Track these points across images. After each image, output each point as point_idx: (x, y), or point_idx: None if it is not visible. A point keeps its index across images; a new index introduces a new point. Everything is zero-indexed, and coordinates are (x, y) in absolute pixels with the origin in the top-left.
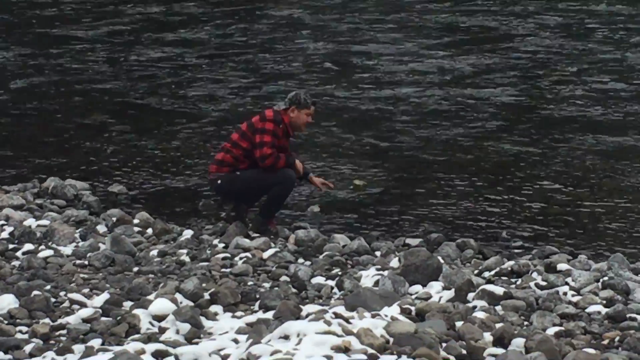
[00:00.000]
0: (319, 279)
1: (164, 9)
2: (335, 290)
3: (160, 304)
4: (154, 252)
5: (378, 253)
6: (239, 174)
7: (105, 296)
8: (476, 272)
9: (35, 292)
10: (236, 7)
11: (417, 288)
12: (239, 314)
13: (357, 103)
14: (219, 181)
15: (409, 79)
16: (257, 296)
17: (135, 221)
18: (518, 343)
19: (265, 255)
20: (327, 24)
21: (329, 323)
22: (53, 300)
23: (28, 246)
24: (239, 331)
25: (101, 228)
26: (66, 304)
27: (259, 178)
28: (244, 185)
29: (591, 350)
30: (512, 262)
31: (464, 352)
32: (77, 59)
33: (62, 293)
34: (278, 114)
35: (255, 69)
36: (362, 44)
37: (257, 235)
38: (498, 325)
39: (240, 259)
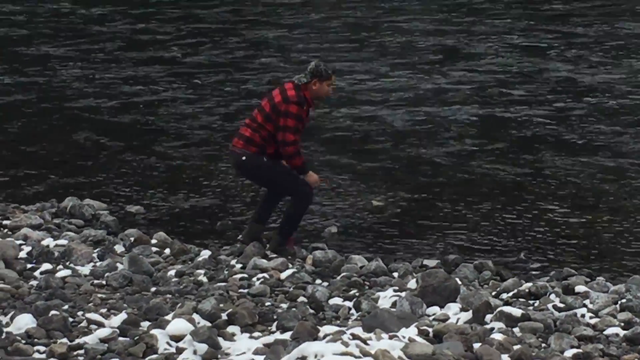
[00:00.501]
0: (336, 300)
1: (136, 28)
2: (353, 311)
3: (178, 324)
4: (172, 272)
5: (395, 274)
6: (266, 160)
7: (122, 316)
8: (494, 293)
9: (53, 312)
10: (207, 26)
11: (435, 309)
12: (256, 334)
13: (361, 123)
14: (244, 157)
15: (406, 98)
16: (275, 317)
17: (153, 241)
18: None
19: (283, 276)
20: (294, 44)
21: (346, 344)
22: (71, 320)
23: (46, 266)
24: (256, 352)
25: (119, 248)
26: (84, 323)
27: (281, 177)
28: (266, 175)
29: None
30: (529, 284)
31: None
32: (66, 79)
33: (79, 313)
34: (300, 91)
35: (238, 86)
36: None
37: (275, 255)
38: (516, 347)
39: (258, 279)
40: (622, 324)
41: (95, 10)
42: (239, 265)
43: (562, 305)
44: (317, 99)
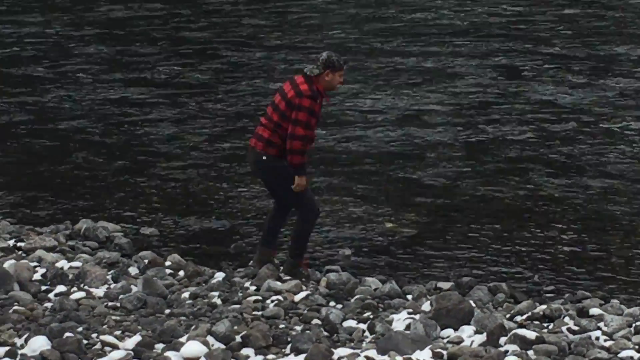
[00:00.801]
0: (350, 322)
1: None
2: (367, 333)
3: (192, 347)
4: (186, 295)
5: (410, 296)
6: (285, 165)
7: (137, 338)
8: (508, 316)
9: (68, 334)
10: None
11: (449, 332)
12: (270, 357)
13: (369, 144)
14: (264, 157)
15: (407, 118)
16: (289, 339)
17: (167, 263)
18: None
19: (297, 298)
20: (276, 65)
21: None
22: (85, 342)
23: (60, 288)
24: None
25: (133, 270)
26: (98, 345)
27: (286, 181)
28: (281, 180)
29: None
30: (544, 307)
31: None
32: (59, 100)
33: (94, 335)
34: (312, 84)
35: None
36: None
37: (289, 278)
38: None
39: (272, 301)
40: (637, 347)
41: (79, 32)
42: (253, 288)
43: (576, 327)
44: (329, 90)
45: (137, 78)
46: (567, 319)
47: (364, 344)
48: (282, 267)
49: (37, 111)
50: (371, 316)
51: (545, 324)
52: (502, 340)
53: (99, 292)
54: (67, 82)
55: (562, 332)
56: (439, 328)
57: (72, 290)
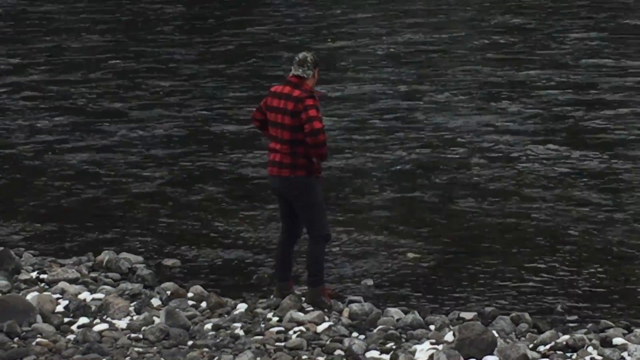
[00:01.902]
0: (373, 353)
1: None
2: None
3: None
4: (208, 326)
5: (432, 327)
6: (313, 182)
7: None
8: (531, 346)
9: None
10: None
11: None
12: None
13: (388, 171)
14: (295, 180)
15: (424, 143)
16: None
17: (190, 295)
18: None
19: (320, 328)
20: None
21: None
22: None
23: (83, 320)
24: None
25: (155, 301)
26: None
27: (313, 206)
28: (306, 197)
29: None
30: (567, 336)
31: None
32: (83, 131)
33: None
34: (298, 86)
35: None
36: None
37: (311, 308)
38: None
39: (295, 332)
40: None
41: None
42: (275, 319)
43: (600, 357)
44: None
45: (158, 107)
46: (590, 349)
47: None
48: (304, 298)
49: (57, 143)
50: (394, 347)
51: (568, 354)
52: None
53: (122, 323)
54: (85, 114)
55: None
56: (462, 358)
57: (94, 322)
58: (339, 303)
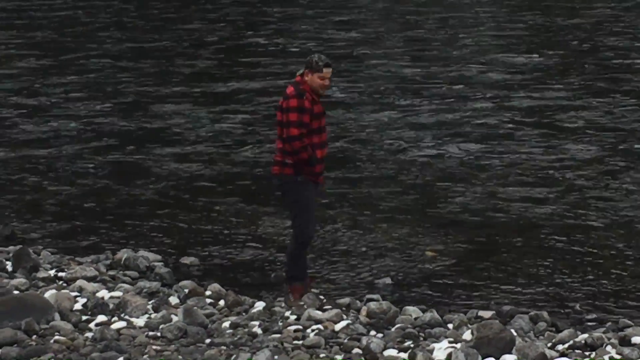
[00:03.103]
0: (391, 352)
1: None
2: None
3: None
4: (226, 324)
5: (450, 325)
6: (298, 181)
7: None
8: (549, 344)
9: None
10: None
11: None
12: None
13: (408, 169)
14: (282, 179)
15: (445, 141)
16: None
17: (208, 293)
18: None
19: (337, 327)
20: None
21: None
22: None
23: (101, 317)
24: None
25: (173, 300)
26: None
27: (296, 204)
28: (292, 196)
29: None
30: (585, 335)
31: None
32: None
33: None
34: (298, 85)
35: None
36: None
37: (330, 307)
38: None
39: (312, 331)
40: None
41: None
42: (293, 317)
43: (618, 356)
44: (315, 92)
45: (170, 101)
46: (609, 348)
47: None
48: (322, 297)
49: (77, 141)
50: (412, 345)
51: (587, 353)
52: None
53: (140, 321)
54: (98, 111)
55: None
56: (480, 357)
57: (112, 320)
58: (357, 301)
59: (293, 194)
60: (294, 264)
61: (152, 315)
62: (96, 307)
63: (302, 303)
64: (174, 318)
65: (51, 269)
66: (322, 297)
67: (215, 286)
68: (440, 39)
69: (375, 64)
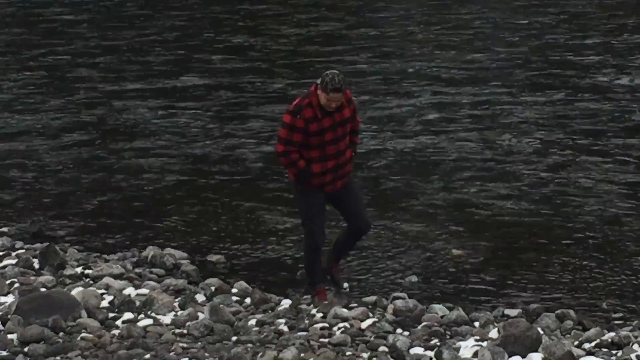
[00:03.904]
0: (417, 350)
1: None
2: None
3: None
4: (253, 322)
5: (477, 323)
6: (297, 186)
7: None
8: (576, 343)
9: None
10: None
11: (517, 359)
12: None
13: (435, 166)
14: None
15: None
16: None
17: (234, 290)
18: None
19: (364, 325)
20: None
21: None
22: None
23: (128, 315)
24: None
25: (200, 297)
26: None
27: (299, 205)
28: (299, 205)
29: None
30: (612, 334)
31: None
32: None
33: None
34: (304, 98)
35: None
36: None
37: (356, 305)
38: None
39: (339, 328)
40: None
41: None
42: (319, 315)
43: None
44: (325, 107)
45: (195, 102)
46: (635, 346)
47: None
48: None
49: (103, 139)
50: (438, 343)
51: (614, 351)
52: None
53: (166, 319)
54: (125, 106)
55: (631, 359)
56: (506, 355)
57: (139, 317)
58: (383, 299)
59: (296, 200)
60: (309, 270)
61: (179, 313)
62: (123, 304)
63: (328, 303)
64: (201, 316)
65: (78, 266)
66: (348, 295)
67: (242, 284)
68: (393, 35)
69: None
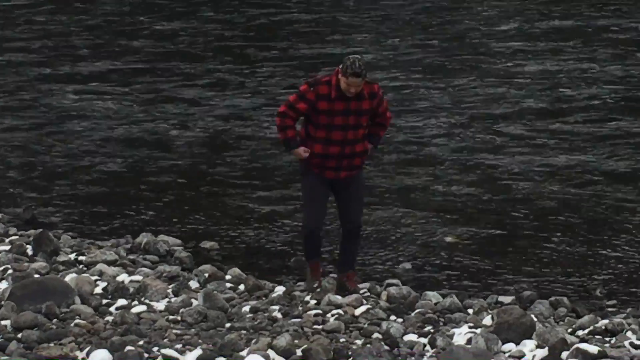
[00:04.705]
0: (411, 336)
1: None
2: (428, 347)
3: None
4: (246, 308)
5: (470, 310)
6: (301, 168)
7: (197, 352)
8: (570, 330)
9: (129, 348)
10: None
11: (510, 346)
12: None
13: (429, 156)
14: None
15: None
16: (349, 353)
17: (228, 277)
18: None
19: (357, 312)
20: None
21: None
22: (146, 355)
23: (121, 301)
24: None
25: (193, 284)
26: (159, 359)
27: (303, 194)
28: (302, 187)
29: None
30: (606, 321)
31: None
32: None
33: (155, 349)
34: (332, 77)
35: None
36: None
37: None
38: None
39: (332, 315)
40: None
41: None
42: (313, 302)
43: (639, 342)
44: (345, 90)
45: (189, 92)
46: (629, 334)
47: (424, 358)
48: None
49: (96, 127)
50: (432, 330)
51: (607, 339)
52: (564, 354)
53: (160, 305)
54: (118, 97)
55: (624, 346)
56: (500, 342)
57: (133, 303)
58: (377, 286)
59: (301, 181)
60: (304, 249)
61: (172, 299)
62: (116, 291)
63: (316, 286)
64: (194, 302)
65: (71, 252)
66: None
67: (235, 270)
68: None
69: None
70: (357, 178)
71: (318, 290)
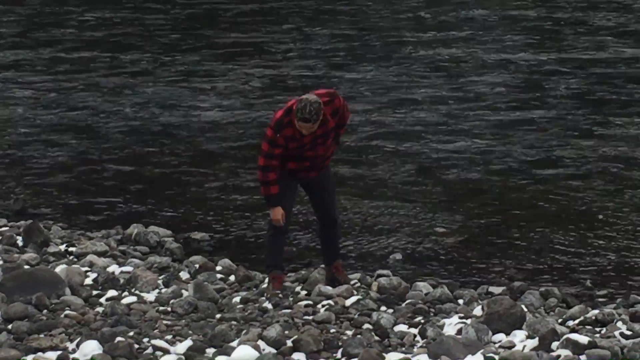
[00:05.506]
0: (401, 327)
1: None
2: (418, 338)
3: (243, 351)
4: (237, 299)
5: (461, 301)
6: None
7: (188, 343)
8: (560, 320)
9: (119, 339)
10: None
11: (501, 336)
12: None
13: (421, 148)
14: None
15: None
16: (340, 344)
17: (218, 268)
18: None
19: (348, 302)
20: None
21: None
22: (136, 346)
23: (111, 292)
24: None
25: (184, 275)
26: (149, 350)
27: None
28: None
29: None
30: (596, 311)
31: None
32: (113, 103)
33: (145, 339)
34: (288, 113)
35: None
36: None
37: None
38: None
39: (323, 306)
40: None
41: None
42: (303, 292)
43: (629, 332)
44: None
45: (181, 82)
46: (619, 324)
47: (415, 349)
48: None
49: (88, 116)
50: (422, 321)
51: (597, 329)
52: (555, 345)
53: (150, 296)
54: (112, 88)
55: (614, 336)
56: (490, 332)
57: (123, 294)
58: (367, 277)
59: None
60: (268, 250)
61: (163, 290)
62: (107, 282)
63: (278, 292)
64: (185, 293)
65: (62, 243)
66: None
67: (226, 261)
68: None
69: None
70: (327, 174)
71: (278, 293)
